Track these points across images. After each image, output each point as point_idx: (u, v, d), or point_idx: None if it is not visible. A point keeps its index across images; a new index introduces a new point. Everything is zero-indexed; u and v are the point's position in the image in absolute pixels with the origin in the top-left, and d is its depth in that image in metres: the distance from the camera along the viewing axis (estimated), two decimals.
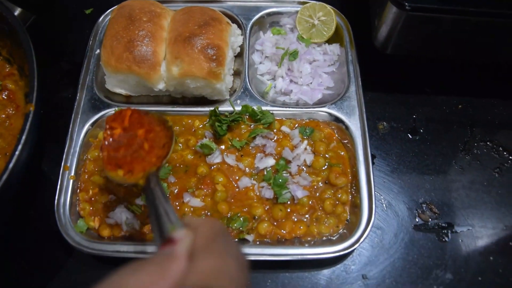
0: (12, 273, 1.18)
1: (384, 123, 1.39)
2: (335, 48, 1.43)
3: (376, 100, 1.42)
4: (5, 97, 1.33)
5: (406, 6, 1.18)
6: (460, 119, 1.40)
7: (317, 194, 1.21)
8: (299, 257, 1.11)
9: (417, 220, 1.25)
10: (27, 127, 1.09)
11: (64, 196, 1.18)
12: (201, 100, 1.37)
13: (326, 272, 1.17)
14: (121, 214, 1.16)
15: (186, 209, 1.18)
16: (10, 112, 1.30)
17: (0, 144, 1.25)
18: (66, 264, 1.18)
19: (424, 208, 1.26)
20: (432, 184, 1.30)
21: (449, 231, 1.23)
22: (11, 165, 1.04)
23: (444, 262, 1.19)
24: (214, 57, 1.24)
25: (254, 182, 1.21)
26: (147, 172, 0.96)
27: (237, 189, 1.20)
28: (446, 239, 1.22)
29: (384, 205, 1.27)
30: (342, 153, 1.28)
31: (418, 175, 1.31)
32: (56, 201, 1.17)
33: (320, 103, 1.36)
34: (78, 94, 1.33)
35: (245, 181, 1.20)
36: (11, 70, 1.37)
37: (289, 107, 1.32)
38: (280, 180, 1.19)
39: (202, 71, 1.23)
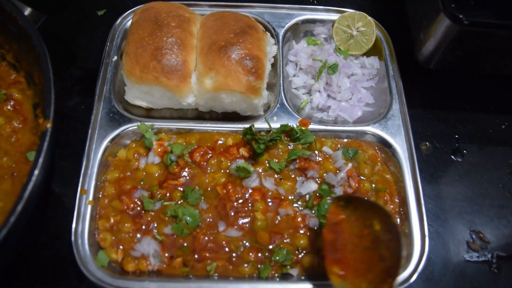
0: None
1: (427, 143, 1.30)
2: (373, 61, 1.33)
3: (416, 118, 1.33)
4: (11, 108, 1.17)
5: (463, 19, 1.09)
6: (504, 139, 1.33)
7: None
8: None
9: (466, 249, 1.16)
10: (44, 148, 0.94)
11: (82, 224, 1.04)
12: (231, 116, 1.24)
13: None
14: (149, 246, 1.03)
15: (222, 239, 1.05)
16: (17, 125, 1.15)
17: (6, 163, 1.10)
18: None
19: (474, 237, 1.18)
20: (480, 211, 1.21)
21: (502, 261, 1.15)
22: (26, 193, 0.89)
23: None
24: (253, 69, 1.12)
25: (296, 209, 1.10)
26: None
27: (278, 217, 1.09)
28: (499, 269, 1.14)
29: (432, 233, 1.17)
30: (388, 176, 1.18)
31: (465, 201, 1.23)
32: (73, 230, 1.03)
33: (360, 121, 1.26)
34: (94, 107, 1.19)
35: (286, 208, 1.09)
36: (17, 77, 1.21)
37: (331, 125, 1.21)
38: (326, 207, 1.08)
39: (240, 84, 1.11)
